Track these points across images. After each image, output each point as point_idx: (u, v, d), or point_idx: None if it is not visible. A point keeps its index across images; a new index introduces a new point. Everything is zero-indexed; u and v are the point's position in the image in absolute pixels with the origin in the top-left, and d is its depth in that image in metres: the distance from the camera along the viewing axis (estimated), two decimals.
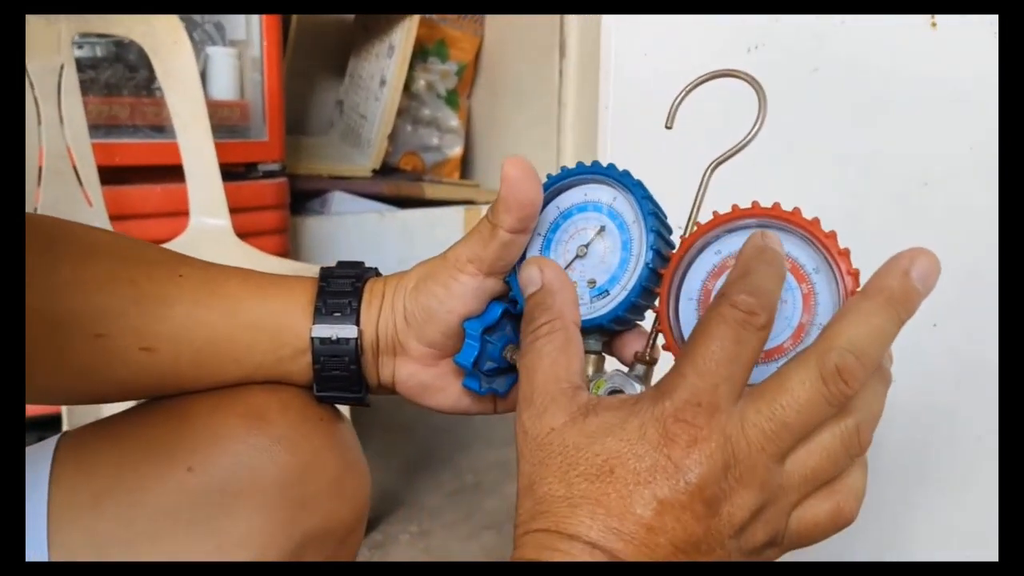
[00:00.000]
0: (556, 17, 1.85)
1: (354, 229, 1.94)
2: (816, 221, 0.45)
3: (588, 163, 0.52)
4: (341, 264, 0.57)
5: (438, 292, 0.52)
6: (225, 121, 1.63)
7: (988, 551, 0.80)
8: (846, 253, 0.44)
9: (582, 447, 0.40)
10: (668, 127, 0.52)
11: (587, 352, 0.52)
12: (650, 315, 0.51)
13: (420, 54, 2.13)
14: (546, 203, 0.53)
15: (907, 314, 0.40)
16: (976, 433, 0.79)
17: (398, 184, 2.07)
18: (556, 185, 0.53)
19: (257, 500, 0.51)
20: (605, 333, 0.52)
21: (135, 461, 0.51)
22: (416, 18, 1.98)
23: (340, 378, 0.54)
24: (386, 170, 2.12)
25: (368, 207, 2.00)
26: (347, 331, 0.52)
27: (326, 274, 0.55)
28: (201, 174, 1.42)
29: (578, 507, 0.38)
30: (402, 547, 1.48)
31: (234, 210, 1.47)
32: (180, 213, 1.44)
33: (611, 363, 0.54)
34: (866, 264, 0.47)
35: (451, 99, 2.21)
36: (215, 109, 1.60)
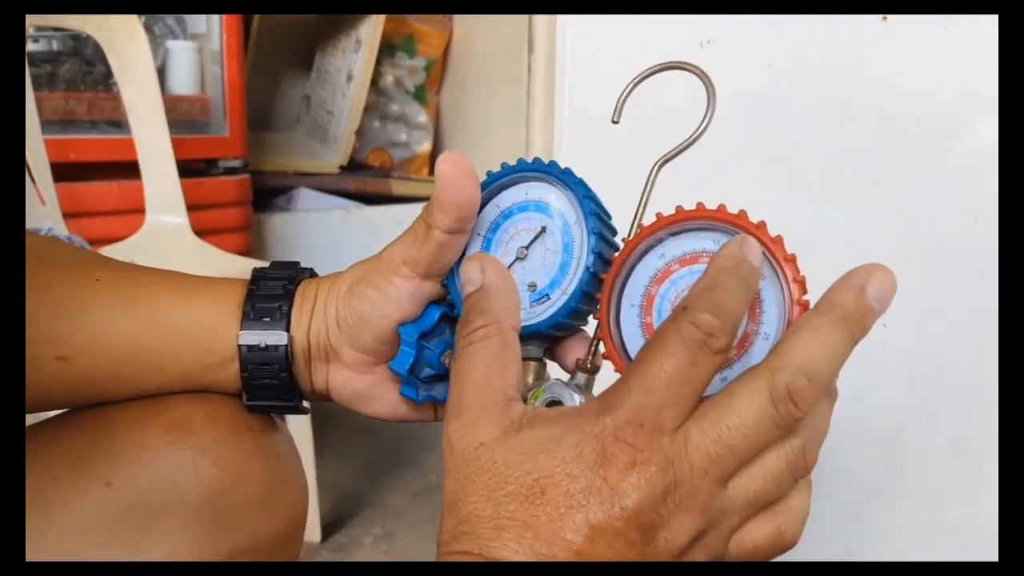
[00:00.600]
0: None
1: (320, 226, 1.91)
2: (763, 225, 0.43)
3: (545, 161, 0.50)
4: (275, 265, 0.54)
5: (371, 296, 0.49)
6: (185, 116, 1.60)
7: (939, 551, 0.79)
8: (792, 259, 0.42)
9: (512, 464, 0.37)
10: (615, 121, 0.50)
11: (527, 359, 0.50)
12: (594, 320, 0.49)
13: (388, 49, 2.09)
14: (486, 201, 0.51)
15: (861, 333, 0.38)
16: (929, 433, 0.78)
17: (365, 180, 2.04)
18: (496, 183, 0.51)
19: (180, 516, 0.49)
20: (546, 339, 0.50)
21: (50, 476, 0.49)
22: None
23: (270, 387, 0.51)
24: (353, 166, 2.09)
25: (335, 204, 1.97)
26: (276, 338, 0.50)
27: (257, 276, 0.52)
28: (157, 170, 1.39)
29: (505, 530, 0.36)
30: (365, 549, 1.46)
31: (194, 207, 1.44)
32: (136, 210, 1.41)
33: (557, 370, 0.52)
34: (817, 262, 0.45)
35: (419, 95, 2.18)
36: (175, 104, 1.57)
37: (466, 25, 2.14)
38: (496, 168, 0.51)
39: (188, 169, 1.52)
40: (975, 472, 0.77)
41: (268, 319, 0.50)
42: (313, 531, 1.46)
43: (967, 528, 0.79)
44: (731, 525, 0.38)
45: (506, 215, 0.51)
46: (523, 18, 1.86)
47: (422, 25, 2.13)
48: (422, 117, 2.19)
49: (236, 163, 1.62)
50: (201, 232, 1.43)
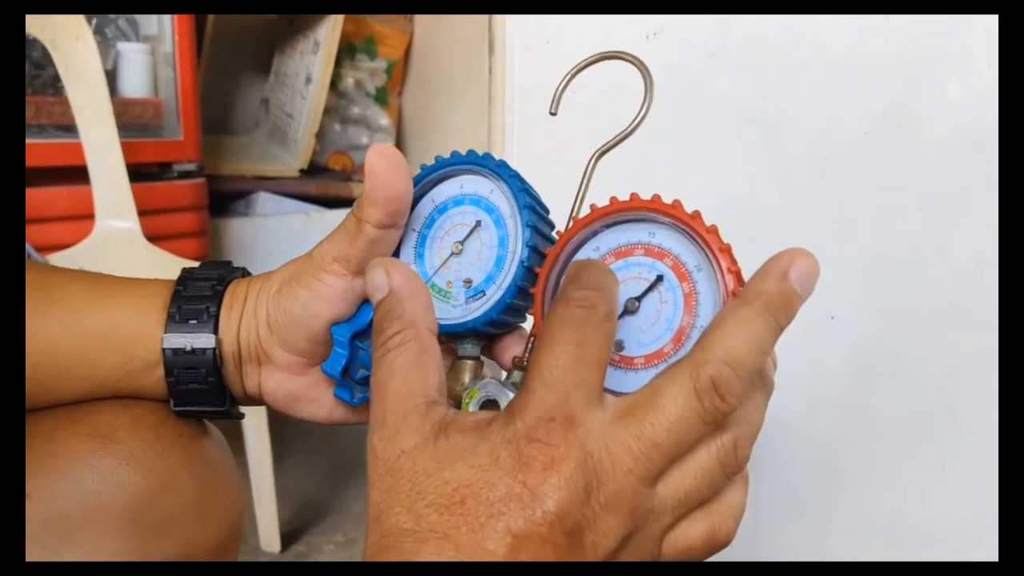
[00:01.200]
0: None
1: (280, 230, 1.88)
2: (697, 215, 0.42)
3: (480, 154, 0.49)
4: (205, 265, 0.52)
5: (302, 295, 0.48)
6: (137, 120, 1.56)
7: (897, 549, 0.78)
8: (727, 249, 0.41)
9: (432, 473, 0.36)
10: (552, 113, 0.49)
11: (464, 358, 0.48)
12: (532, 316, 0.47)
13: (348, 51, 2.07)
14: (421, 196, 0.50)
15: (786, 320, 0.37)
16: (879, 427, 0.77)
17: (326, 184, 2.01)
18: (430, 176, 0.49)
19: (103, 528, 0.47)
20: (482, 337, 0.48)
21: None
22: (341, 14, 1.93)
23: (199, 391, 0.49)
24: (314, 170, 2.06)
25: (295, 208, 1.94)
26: (203, 340, 0.48)
27: (185, 276, 0.50)
28: (106, 174, 1.36)
29: (424, 543, 0.34)
30: (326, 557, 1.43)
31: (147, 212, 1.41)
32: (86, 216, 1.37)
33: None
34: (762, 255, 0.44)
35: (380, 97, 2.15)
36: (127, 107, 1.53)
37: (427, 26, 2.12)
38: None
39: (141, 173, 1.49)
40: (929, 463, 0.77)
41: (195, 321, 0.48)
42: (272, 540, 1.43)
43: (922, 521, 0.78)
44: (662, 526, 0.37)
45: (441, 209, 0.49)
46: (483, 19, 1.84)
47: (382, 26, 2.10)
48: (383, 120, 2.17)
49: (191, 167, 1.58)
50: (154, 238, 1.40)
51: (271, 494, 1.40)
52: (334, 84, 2.03)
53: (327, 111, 2.02)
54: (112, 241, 1.37)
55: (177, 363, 0.48)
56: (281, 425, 1.47)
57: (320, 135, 2.03)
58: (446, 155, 0.49)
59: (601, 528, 0.34)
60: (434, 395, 0.39)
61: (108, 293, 0.49)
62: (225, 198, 1.86)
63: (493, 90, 1.86)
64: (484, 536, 0.34)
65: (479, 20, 1.86)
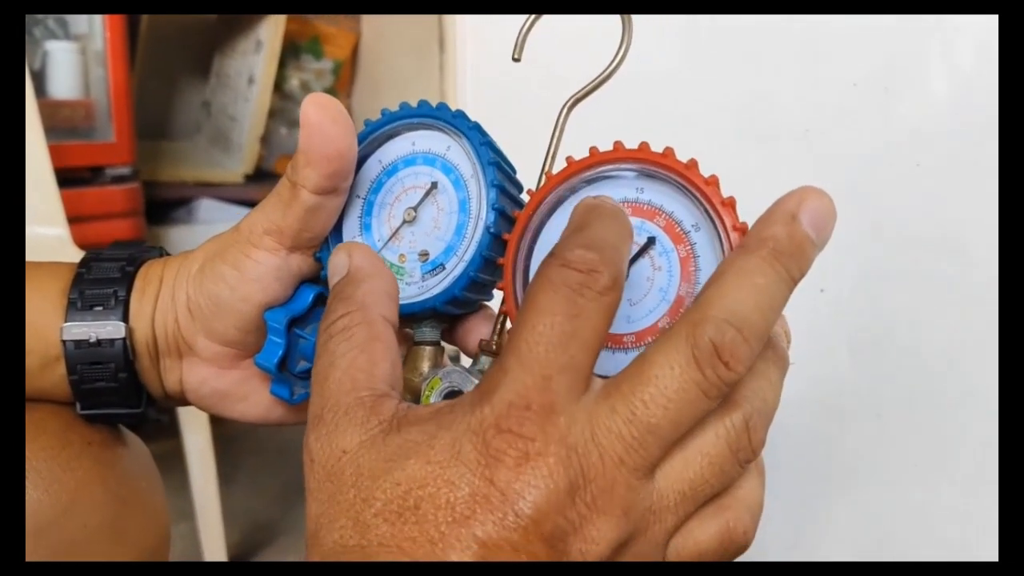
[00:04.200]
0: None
1: None
2: (693, 164, 0.36)
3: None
4: (115, 245, 0.45)
5: (228, 275, 0.41)
6: (67, 122, 1.47)
7: (885, 548, 0.73)
8: (731, 204, 0.35)
9: (379, 475, 0.29)
10: (515, 59, 0.43)
11: (421, 343, 0.42)
12: (500, 292, 0.41)
13: (292, 51, 1.99)
14: (367, 156, 0.43)
15: (799, 270, 0.30)
16: (875, 410, 0.72)
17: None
18: (377, 133, 0.42)
19: None
20: (443, 318, 0.42)
21: None
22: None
23: (107, 390, 0.42)
24: (260, 175, 1.98)
25: (240, 215, 1.84)
26: (110, 329, 0.41)
27: (90, 258, 0.43)
28: (32, 179, 1.27)
29: (374, 560, 0.28)
30: None
31: (77, 219, 1.33)
32: None
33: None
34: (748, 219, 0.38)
35: None
36: (56, 109, 1.45)
37: (374, 25, 2.05)
38: None
39: (72, 178, 1.40)
40: (929, 457, 0.72)
41: (100, 307, 0.41)
42: None
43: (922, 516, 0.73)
44: (666, 527, 0.30)
45: (390, 171, 0.43)
46: (432, 16, 1.79)
47: (328, 26, 2.03)
48: None
49: (125, 171, 1.49)
50: (86, 245, 1.31)
51: (217, 516, 1.32)
52: (279, 86, 1.95)
53: (272, 114, 1.94)
54: (40, 250, 1.26)
55: (80, 358, 0.41)
56: (228, 442, 1.39)
57: (266, 139, 1.95)
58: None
59: (590, 534, 0.28)
60: (383, 388, 0.32)
61: None
62: (165, 205, 1.78)
63: (445, 88, 1.81)
64: (446, 547, 0.27)
65: (428, 17, 1.80)
